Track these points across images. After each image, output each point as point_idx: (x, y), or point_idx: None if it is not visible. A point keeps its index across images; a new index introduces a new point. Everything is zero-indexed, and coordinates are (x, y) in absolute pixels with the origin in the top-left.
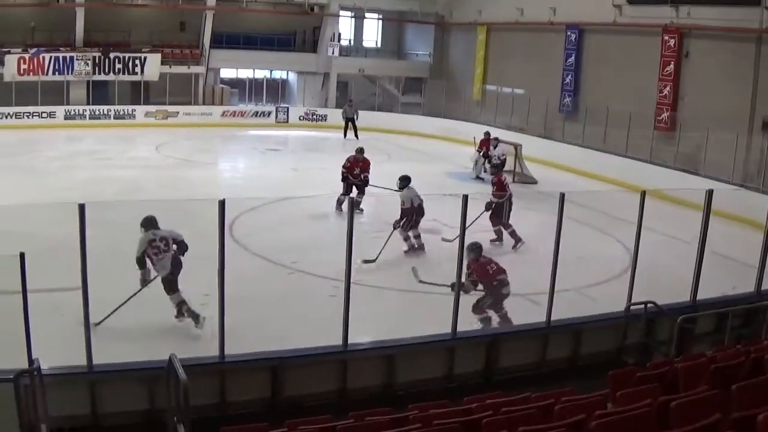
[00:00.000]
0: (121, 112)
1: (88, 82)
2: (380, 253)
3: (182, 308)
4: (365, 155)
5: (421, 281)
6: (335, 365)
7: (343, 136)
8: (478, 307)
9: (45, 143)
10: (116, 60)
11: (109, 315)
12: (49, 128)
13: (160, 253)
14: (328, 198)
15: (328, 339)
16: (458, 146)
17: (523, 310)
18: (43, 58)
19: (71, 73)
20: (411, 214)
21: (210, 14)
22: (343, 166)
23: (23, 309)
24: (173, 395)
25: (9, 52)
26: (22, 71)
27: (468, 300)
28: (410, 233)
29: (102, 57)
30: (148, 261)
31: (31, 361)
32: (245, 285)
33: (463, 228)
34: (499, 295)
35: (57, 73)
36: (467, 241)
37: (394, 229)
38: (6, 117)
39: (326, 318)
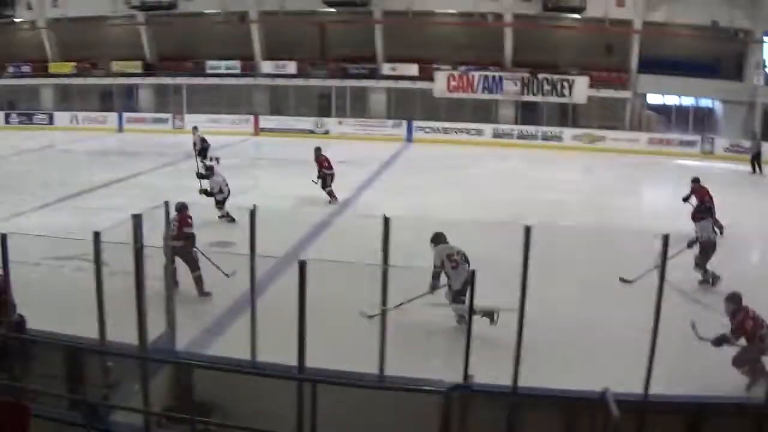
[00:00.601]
0: (549, 134)
1: (516, 102)
2: None
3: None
4: None
5: None
6: None
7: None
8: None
9: (472, 159)
10: (544, 81)
11: (383, 311)
12: (477, 145)
13: (458, 266)
14: None
15: None
16: None
17: None
18: (473, 76)
19: (500, 93)
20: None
21: (637, 38)
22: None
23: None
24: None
25: (439, 69)
26: (451, 88)
27: None
28: None
29: (530, 78)
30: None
31: (466, 375)
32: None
33: None
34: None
35: (486, 91)
36: None
37: None
38: (435, 131)
39: None
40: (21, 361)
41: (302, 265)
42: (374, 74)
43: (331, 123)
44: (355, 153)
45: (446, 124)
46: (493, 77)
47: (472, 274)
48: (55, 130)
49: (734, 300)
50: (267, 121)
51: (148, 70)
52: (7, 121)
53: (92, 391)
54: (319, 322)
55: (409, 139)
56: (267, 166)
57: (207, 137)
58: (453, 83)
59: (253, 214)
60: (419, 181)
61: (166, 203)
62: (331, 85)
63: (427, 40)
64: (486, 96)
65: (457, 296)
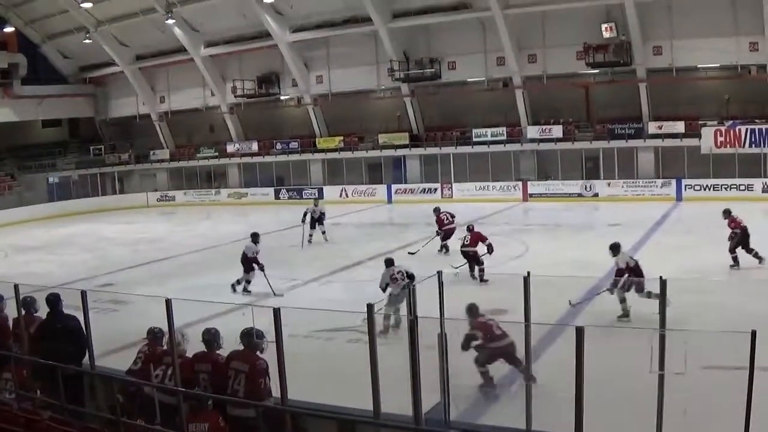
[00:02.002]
0: None
1: None
2: None
3: None
4: None
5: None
6: None
7: None
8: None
9: (743, 216)
10: None
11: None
12: (747, 201)
13: (398, 281)
14: None
15: None
16: None
17: None
18: (739, 130)
19: None
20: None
21: None
22: None
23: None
24: None
25: (705, 125)
26: (718, 143)
27: None
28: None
29: None
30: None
31: None
32: None
33: None
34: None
35: (753, 145)
36: None
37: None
38: (704, 189)
39: None
40: None
41: (579, 332)
42: (640, 133)
43: (599, 185)
44: (625, 215)
45: (715, 181)
46: (760, 130)
47: (410, 285)
48: (325, 204)
49: (472, 312)
50: (535, 187)
51: (415, 140)
52: (277, 197)
53: None
54: (596, 393)
55: (679, 198)
56: (536, 232)
57: (470, 205)
58: (720, 138)
59: (526, 280)
60: (691, 240)
61: (439, 273)
62: (597, 147)
63: (691, 95)
64: (754, 150)
65: (393, 299)
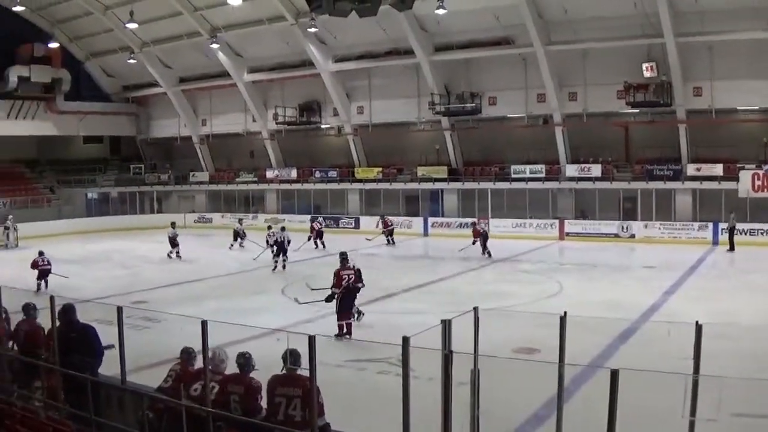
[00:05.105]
0: None
1: None
2: None
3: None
4: None
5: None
6: None
7: None
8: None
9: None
10: None
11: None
12: None
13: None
14: None
15: None
16: None
17: None
18: None
19: None
20: None
21: None
22: None
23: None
24: None
25: (743, 168)
26: (755, 187)
27: None
28: None
29: None
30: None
31: None
32: None
33: None
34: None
35: None
36: None
37: None
38: (740, 233)
39: None
40: None
41: (614, 375)
42: (679, 175)
43: (636, 226)
44: (661, 257)
45: (752, 225)
46: None
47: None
48: (361, 234)
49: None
50: (572, 226)
51: (453, 174)
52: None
53: None
54: None
55: (716, 242)
56: (572, 271)
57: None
58: (758, 182)
59: (562, 320)
60: (727, 285)
61: (476, 309)
62: (636, 188)
63: (730, 138)
64: None
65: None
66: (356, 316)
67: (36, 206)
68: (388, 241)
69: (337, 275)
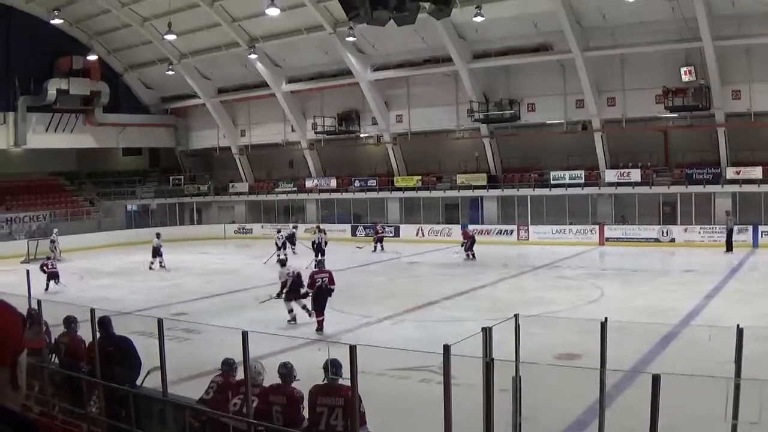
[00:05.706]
0: None
1: None
2: None
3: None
4: None
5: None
6: None
7: None
8: None
9: None
10: None
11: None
12: None
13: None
14: None
15: None
16: None
17: None
18: None
19: None
20: None
21: None
22: None
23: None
24: None
25: None
26: None
27: None
28: None
29: None
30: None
31: None
32: None
33: None
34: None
35: None
36: None
37: None
38: None
39: None
40: None
41: (655, 380)
42: (718, 179)
43: (676, 230)
44: (701, 261)
45: None
46: None
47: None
48: (401, 242)
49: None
50: (612, 231)
51: (492, 181)
52: (353, 234)
53: None
54: None
55: (756, 244)
56: (612, 276)
57: (546, 248)
58: None
59: (603, 326)
60: (766, 288)
61: (516, 316)
62: (675, 192)
63: None
64: None
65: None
66: (309, 314)
67: (76, 218)
68: (375, 248)
69: (311, 277)
